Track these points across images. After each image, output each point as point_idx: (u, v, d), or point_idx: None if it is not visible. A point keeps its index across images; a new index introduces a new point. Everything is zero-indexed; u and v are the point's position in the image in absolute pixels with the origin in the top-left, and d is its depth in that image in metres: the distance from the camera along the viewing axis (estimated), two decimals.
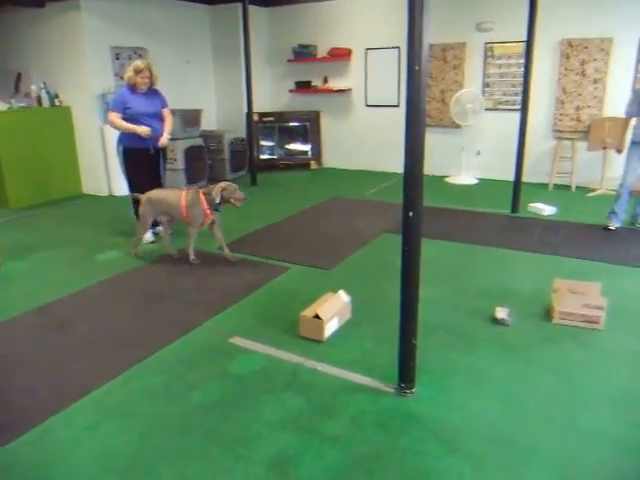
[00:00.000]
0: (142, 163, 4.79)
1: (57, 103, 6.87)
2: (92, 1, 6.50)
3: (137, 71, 4.60)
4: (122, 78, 4.94)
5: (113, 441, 2.28)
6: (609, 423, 2.34)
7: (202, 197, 4.20)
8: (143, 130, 4.62)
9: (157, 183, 4.93)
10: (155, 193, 4.42)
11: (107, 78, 6.82)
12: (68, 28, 6.59)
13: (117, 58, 6.97)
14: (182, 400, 2.56)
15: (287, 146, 8.97)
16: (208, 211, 4.22)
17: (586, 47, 6.72)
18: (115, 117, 4.63)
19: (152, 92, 4.80)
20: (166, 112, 4.92)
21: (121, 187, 6.24)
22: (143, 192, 4.88)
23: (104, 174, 7.06)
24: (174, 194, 4.37)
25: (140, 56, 7.14)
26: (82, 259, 4.61)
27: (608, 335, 3.12)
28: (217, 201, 4.18)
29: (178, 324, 3.33)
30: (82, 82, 6.74)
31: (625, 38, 6.49)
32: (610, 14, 6.52)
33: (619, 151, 5.25)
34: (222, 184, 4.27)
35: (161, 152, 4.92)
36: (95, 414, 2.46)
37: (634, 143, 4.97)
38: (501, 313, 3.31)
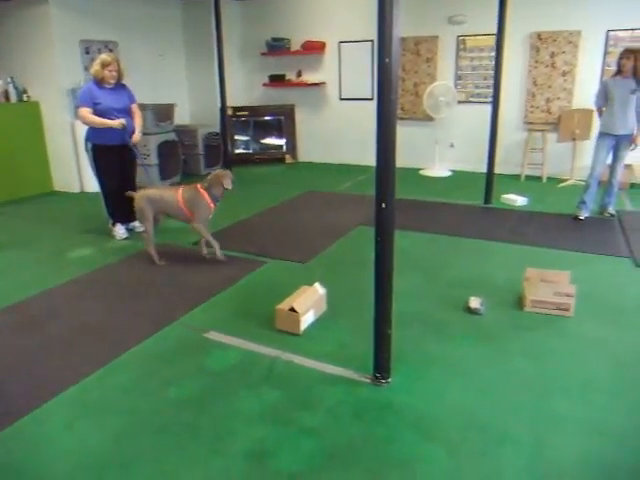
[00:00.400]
0: (112, 160, 4.71)
1: (25, 98, 6.70)
2: None
3: (104, 65, 4.50)
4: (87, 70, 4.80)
5: (88, 439, 2.25)
6: (579, 407, 2.41)
7: (202, 191, 4.14)
8: (118, 123, 4.53)
9: (129, 179, 4.86)
10: (151, 191, 4.26)
11: (77, 72, 6.67)
12: (36, 22, 6.42)
13: (87, 52, 6.83)
14: (158, 396, 2.54)
15: (262, 140, 8.93)
16: (212, 205, 4.18)
17: (555, 40, 6.84)
18: (87, 113, 4.51)
19: (120, 87, 4.71)
20: (135, 108, 4.85)
21: (93, 183, 6.12)
22: (114, 189, 4.83)
23: (75, 170, 6.92)
24: (169, 192, 4.26)
25: (111, 50, 7.01)
26: (53, 257, 4.52)
27: (578, 321, 3.20)
28: (220, 193, 4.20)
29: (153, 320, 3.30)
30: (51, 77, 6.58)
31: (593, 31, 6.63)
32: (578, 8, 6.64)
33: None
34: (219, 172, 4.24)
35: (132, 147, 4.84)
36: (69, 412, 2.43)
37: (602, 134, 5.08)
38: (475, 303, 3.36)
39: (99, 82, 4.56)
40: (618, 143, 5.06)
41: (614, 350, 2.89)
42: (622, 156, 5.13)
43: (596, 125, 6.66)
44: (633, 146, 5.06)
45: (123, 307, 3.51)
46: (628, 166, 6.60)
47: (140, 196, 4.20)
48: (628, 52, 4.88)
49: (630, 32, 6.47)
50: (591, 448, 2.14)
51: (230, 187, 4.16)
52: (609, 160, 5.18)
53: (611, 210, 5.34)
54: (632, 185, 6.60)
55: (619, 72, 4.95)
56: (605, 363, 2.77)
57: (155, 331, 3.16)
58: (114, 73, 4.57)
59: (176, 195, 4.16)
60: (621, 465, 2.05)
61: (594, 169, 5.12)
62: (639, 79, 4.84)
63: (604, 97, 5.05)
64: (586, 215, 5.21)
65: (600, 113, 5.19)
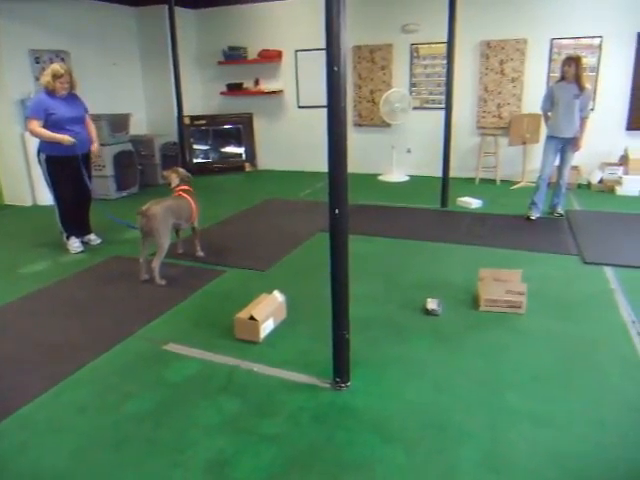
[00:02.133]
0: (66, 171, 4.60)
1: None
2: (7, 3, 6.18)
3: (56, 76, 4.38)
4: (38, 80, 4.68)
5: (42, 460, 2.19)
6: (530, 400, 2.49)
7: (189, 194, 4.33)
8: (67, 140, 4.43)
9: (83, 191, 4.76)
10: (167, 202, 4.07)
11: (26, 83, 6.50)
12: None
13: (37, 62, 6.66)
14: (115, 411, 2.50)
15: (221, 149, 8.89)
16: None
17: (503, 48, 7.09)
18: (36, 125, 4.39)
19: (72, 97, 4.61)
20: (88, 118, 4.77)
21: (46, 196, 5.96)
22: (69, 201, 4.73)
23: (27, 183, 6.72)
24: (180, 200, 4.25)
25: (62, 60, 6.86)
26: (4, 273, 4.37)
27: (529, 318, 3.32)
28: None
29: (110, 335, 3.24)
30: None
31: (538, 39, 6.91)
32: (524, 17, 6.91)
33: None
34: (181, 170, 4.46)
35: (85, 158, 4.74)
36: (22, 433, 2.35)
37: (549, 137, 5.30)
38: (432, 304, 3.44)
39: (50, 92, 4.46)
40: (564, 146, 5.28)
41: (563, 343, 3.01)
42: (569, 158, 5.34)
43: (544, 129, 6.96)
44: (577, 148, 5.28)
45: (79, 322, 3.43)
46: (575, 167, 6.88)
47: (159, 208, 3.93)
48: (569, 59, 5.11)
49: (573, 40, 6.76)
50: (542, 439, 2.22)
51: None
52: (557, 162, 5.39)
53: (560, 210, 5.55)
54: (579, 185, 6.89)
55: (563, 78, 5.17)
56: (554, 356, 2.88)
57: (112, 345, 3.10)
58: (66, 85, 4.47)
59: (188, 201, 4.28)
60: (570, 454, 2.13)
61: (543, 171, 5.33)
62: (581, 85, 5.06)
63: (550, 101, 5.26)
64: (537, 215, 5.40)
65: (546, 117, 5.40)
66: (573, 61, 5.05)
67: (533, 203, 5.41)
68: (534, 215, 5.40)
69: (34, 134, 4.50)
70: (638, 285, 3.76)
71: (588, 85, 5.21)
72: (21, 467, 2.16)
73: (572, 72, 5.04)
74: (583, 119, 5.19)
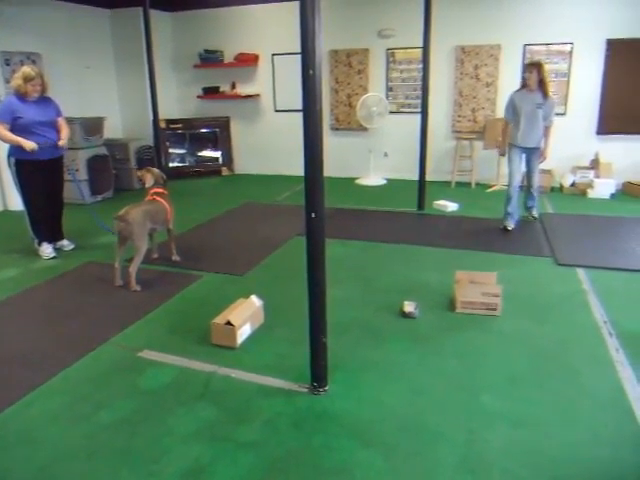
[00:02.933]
0: (37, 175, 4.50)
1: None
2: None
3: (27, 79, 4.29)
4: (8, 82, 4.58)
5: (11, 472, 2.13)
6: (506, 401, 2.52)
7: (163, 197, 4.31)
8: (29, 145, 4.31)
9: (55, 196, 4.67)
10: (143, 207, 4.03)
11: None
12: None
13: (7, 64, 6.51)
14: (88, 421, 2.44)
15: (198, 153, 8.82)
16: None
17: (478, 53, 7.19)
18: (1, 129, 4.29)
19: (44, 100, 4.51)
20: (61, 121, 4.67)
21: (17, 201, 5.82)
22: (40, 206, 4.63)
23: None
24: (155, 204, 4.19)
25: (34, 62, 6.72)
26: None
27: (505, 320, 3.35)
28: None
29: (83, 342, 3.16)
30: None
31: (511, 45, 7.03)
32: (498, 23, 7.04)
33: (502, 154, 5.53)
34: (156, 171, 4.44)
35: (57, 164, 4.65)
36: None
37: (511, 145, 5.19)
38: (409, 307, 3.45)
39: (22, 96, 4.36)
40: (528, 155, 5.20)
41: (537, 344, 3.05)
42: (535, 167, 5.25)
43: None
44: (542, 159, 5.19)
45: (51, 330, 3.35)
46: (548, 171, 7.02)
47: (138, 212, 3.91)
48: (530, 66, 4.98)
49: (545, 46, 6.90)
50: (517, 440, 2.25)
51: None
52: (524, 167, 5.31)
53: (534, 214, 5.59)
54: (552, 189, 7.01)
55: (524, 86, 5.03)
56: (529, 357, 2.91)
57: (85, 353, 3.04)
58: (38, 87, 4.37)
59: (163, 205, 4.23)
60: (544, 453, 2.16)
61: (512, 180, 5.17)
62: (545, 92, 4.95)
63: (512, 111, 5.11)
64: (513, 226, 5.24)
65: (505, 128, 5.26)
66: (535, 67, 4.91)
67: (507, 213, 5.25)
68: (510, 225, 5.23)
69: None
70: (609, 286, 3.84)
71: (552, 92, 5.13)
72: None
73: (534, 79, 4.89)
74: (547, 128, 5.07)
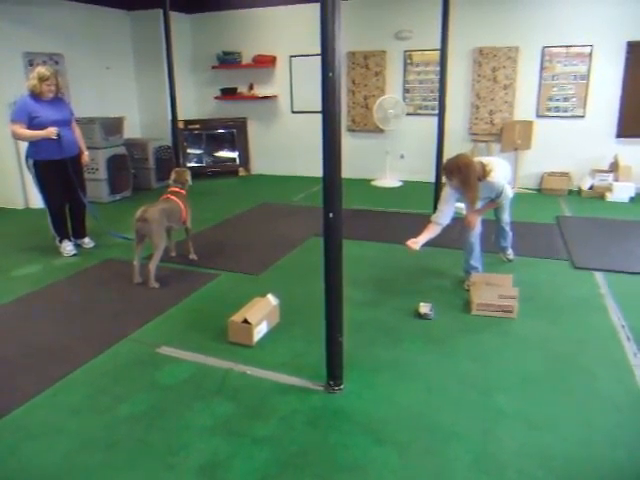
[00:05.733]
0: (55, 175, 4.59)
1: None
2: (1, 5, 6.17)
3: (42, 79, 4.38)
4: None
5: (35, 461, 2.19)
6: (519, 402, 2.52)
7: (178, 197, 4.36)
8: (49, 132, 4.40)
9: (74, 195, 4.75)
10: (160, 205, 4.10)
11: (19, 85, 6.45)
12: None
13: (31, 64, 6.64)
14: (108, 413, 2.50)
15: (215, 153, 8.90)
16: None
17: (496, 55, 7.16)
18: (19, 128, 4.38)
19: (58, 100, 4.60)
20: (74, 123, 4.77)
21: (38, 199, 5.94)
22: (60, 205, 4.72)
23: (19, 186, 6.69)
24: (169, 203, 4.24)
25: (56, 62, 6.87)
26: None
27: (521, 322, 3.35)
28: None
29: (103, 337, 3.23)
30: None
31: (530, 47, 6.99)
32: (516, 24, 7.00)
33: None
34: (181, 170, 4.55)
35: (74, 164, 4.72)
36: (15, 435, 2.35)
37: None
38: (424, 308, 3.46)
39: (36, 96, 4.45)
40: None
41: (553, 346, 3.04)
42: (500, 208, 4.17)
43: (536, 136, 7.04)
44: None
45: (72, 325, 3.43)
46: (566, 174, 6.98)
47: (155, 211, 3.98)
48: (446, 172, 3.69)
49: (564, 48, 6.85)
50: (531, 440, 2.25)
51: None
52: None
53: (510, 254, 4.49)
54: (570, 192, 6.95)
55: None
56: (544, 359, 2.91)
57: (106, 348, 3.10)
58: (52, 87, 4.46)
59: (177, 203, 4.29)
60: (558, 454, 2.16)
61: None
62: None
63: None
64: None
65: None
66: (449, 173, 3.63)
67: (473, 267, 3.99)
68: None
69: (16, 137, 4.54)
70: (627, 290, 3.81)
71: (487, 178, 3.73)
72: (13, 470, 2.15)
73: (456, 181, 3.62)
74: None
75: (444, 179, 3.75)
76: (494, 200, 3.92)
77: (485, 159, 3.90)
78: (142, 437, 2.32)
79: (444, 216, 3.75)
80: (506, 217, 4.27)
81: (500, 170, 3.80)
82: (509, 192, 3.89)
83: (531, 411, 2.45)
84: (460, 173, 3.55)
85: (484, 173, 3.70)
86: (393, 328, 3.32)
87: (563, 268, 4.27)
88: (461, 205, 4.01)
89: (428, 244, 3.68)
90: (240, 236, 5.38)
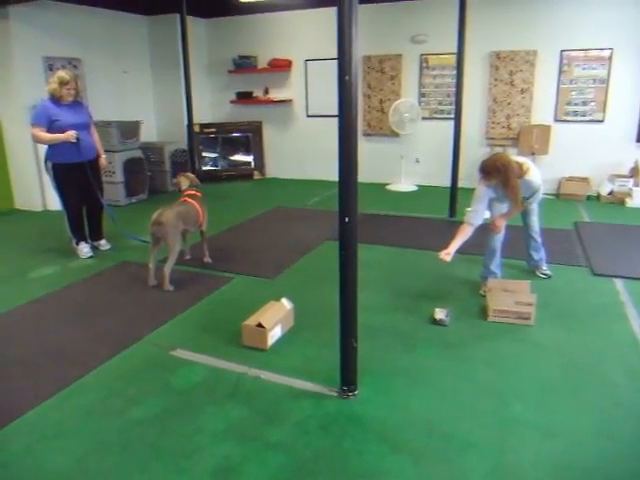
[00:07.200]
0: (73, 178, 4.64)
1: None
2: (22, 10, 6.27)
3: (63, 83, 4.44)
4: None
5: (48, 463, 2.20)
6: (536, 411, 2.47)
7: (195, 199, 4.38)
8: (69, 135, 4.44)
9: (92, 197, 4.79)
10: (176, 209, 4.11)
11: (39, 89, 6.54)
12: None
13: (50, 69, 6.73)
14: (121, 416, 2.50)
15: (230, 157, 8.94)
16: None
17: (513, 59, 7.10)
18: (39, 132, 4.44)
19: (77, 104, 4.66)
20: (93, 127, 4.82)
21: (56, 202, 6.01)
22: (78, 207, 4.77)
23: (38, 188, 6.78)
24: (186, 206, 4.26)
25: (75, 67, 6.95)
26: (14, 277, 4.41)
27: (538, 329, 3.29)
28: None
29: (117, 339, 3.24)
30: (12, 93, 6.48)
31: (548, 50, 6.91)
32: (533, 29, 6.93)
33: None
34: (191, 175, 4.59)
35: (93, 168, 4.76)
36: (30, 436, 2.36)
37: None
38: (440, 314, 3.42)
39: (56, 99, 4.51)
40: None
41: (571, 354, 2.98)
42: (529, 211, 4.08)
43: (553, 140, 6.96)
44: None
45: (87, 327, 3.44)
46: (585, 179, 6.88)
47: (171, 214, 4.00)
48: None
49: (583, 52, 6.77)
50: (548, 450, 2.20)
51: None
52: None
53: (545, 269, 4.24)
54: (588, 197, 6.85)
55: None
56: (562, 367, 2.85)
57: (120, 350, 3.11)
58: (72, 91, 4.52)
59: (194, 206, 4.30)
60: (576, 466, 2.11)
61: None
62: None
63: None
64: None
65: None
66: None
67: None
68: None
69: (36, 140, 4.59)
70: None
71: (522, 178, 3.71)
72: (26, 471, 2.16)
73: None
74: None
75: (482, 180, 3.68)
76: (523, 202, 3.84)
77: (520, 158, 3.89)
78: (155, 440, 2.32)
79: (478, 216, 3.71)
80: (536, 224, 4.09)
81: (536, 169, 3.80)
82: (541, 193, 3.88)
83: (548, 420, 2.40)
84: (500, 173, 3.52)
85: (522, 172, 3.67)
86: (408, 334, 3.28)
87: (582, 275, 4.20)
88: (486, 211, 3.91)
89: (443, 249, 3.63)
90: (254, 240, 5.39)
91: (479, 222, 3.70)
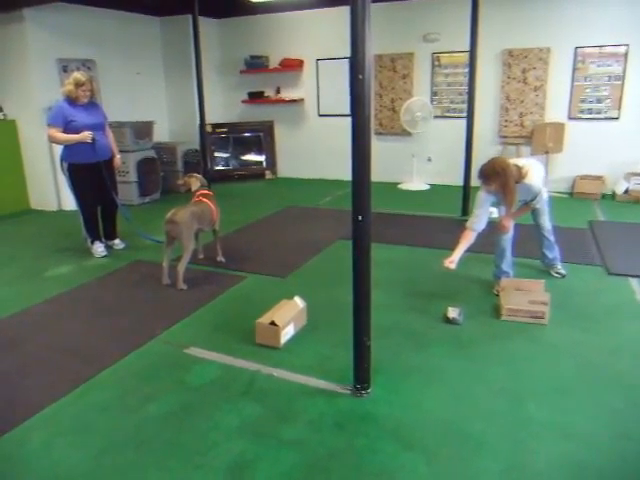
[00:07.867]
0: (89, 179, 4.69)
1: (1, 116, 6.66)
2: (37, 12, 6.35)
3: (78, 84, 4.49)
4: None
5: (66, 458, 2.23)
6: (551, 411, 2.46)
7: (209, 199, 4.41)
8: (84, 136, 4.50)
9: (107, 197, 4.84)
10: (191, 208, 4.15)
11: (54, 91, 6.61)
12: (11, 39, 6.42)
13: (65, 70, 6.82)
14: (137, 413, 2.53)
15: (241, 157, 8.98)
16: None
17: (526, 56, 7.04)
18: (55, 132, 4.50)
19: (92, 105, 4.72)
20: (108, 128, 4.87)
21: (71, 201, 6.08)
22: (93, 207, 4.82)
23: (53, 188, 6.87)
24: (200, 205, 4.29)
25: (89, 68, 7.03)
26: (30, 276, 4.47)
27: (552, 329, 3.27)
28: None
29: (132, 337, 3.28)
30: (27, 95, 6.56)
31: (562, 48, 6.85)
32: (547, 26, 6.87)
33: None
34: (199, 176, 4.63)
35: (107, 168, 4.81)
36: (47, 431, 2.40)
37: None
38: (453, 313, 3.41)
39: (72, 100, 4.56)
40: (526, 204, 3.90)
41: (586, 354, 2.96)
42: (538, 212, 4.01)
43: (568, 138, 6.90)
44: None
45: (102, 325, 3.49)
46: (599, 177, 6.80)
47: (185, 214, 4.03)
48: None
49: (598, 49, 6.70)
50: (562, 451, 2.19)
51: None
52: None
53: (560, 268, 4.20)
54: (603, 196, 6.78)
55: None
56: (577, 367, 2.83)
57: (135, 348, 3.14)
58: (87, 92, 4.57)
59: (209, 206, 4.34)
60: (589, 467, 2.10)
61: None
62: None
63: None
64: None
65: None
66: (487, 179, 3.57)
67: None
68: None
69: (52, 140, 4.65)
70: None
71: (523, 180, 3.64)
72: (43, 466, 2.19)
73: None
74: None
75: (482, 185, 3.65)
76: (528, 203, 3.84)
77: (519, 161, 3.84)
78: (171, 437, 2.34)
79: (480, 222, 3.68)
80: (547, 223, 4.05)
81: (536, 172, 3.74)
82: (544, 194, 3.82)
83: (563, 420, 2.39)
84: (498, 177, 3.48)
85: (520, 175, 3.63)
86: (420, 332, 3.28)
87: (597, 274, 4.16)
88: (493, 209, 3.93)
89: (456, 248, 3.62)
90: (267, 239, 5.41)
91: (481, 227, 3.68)
